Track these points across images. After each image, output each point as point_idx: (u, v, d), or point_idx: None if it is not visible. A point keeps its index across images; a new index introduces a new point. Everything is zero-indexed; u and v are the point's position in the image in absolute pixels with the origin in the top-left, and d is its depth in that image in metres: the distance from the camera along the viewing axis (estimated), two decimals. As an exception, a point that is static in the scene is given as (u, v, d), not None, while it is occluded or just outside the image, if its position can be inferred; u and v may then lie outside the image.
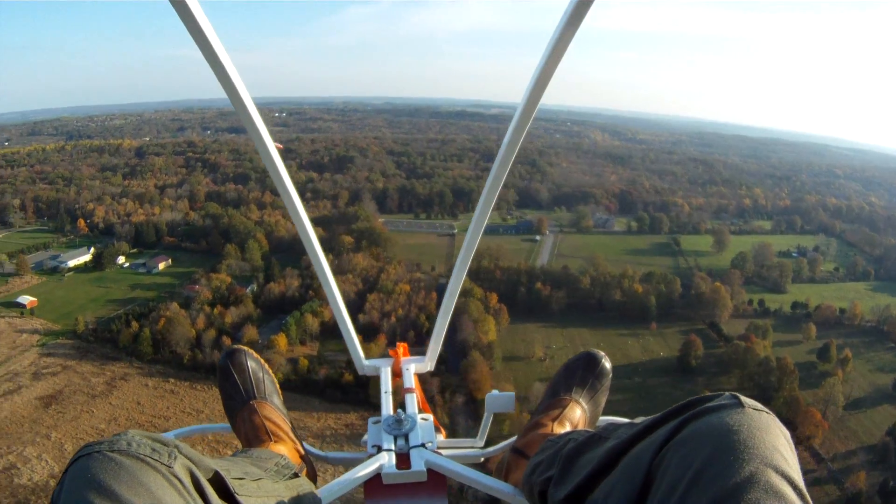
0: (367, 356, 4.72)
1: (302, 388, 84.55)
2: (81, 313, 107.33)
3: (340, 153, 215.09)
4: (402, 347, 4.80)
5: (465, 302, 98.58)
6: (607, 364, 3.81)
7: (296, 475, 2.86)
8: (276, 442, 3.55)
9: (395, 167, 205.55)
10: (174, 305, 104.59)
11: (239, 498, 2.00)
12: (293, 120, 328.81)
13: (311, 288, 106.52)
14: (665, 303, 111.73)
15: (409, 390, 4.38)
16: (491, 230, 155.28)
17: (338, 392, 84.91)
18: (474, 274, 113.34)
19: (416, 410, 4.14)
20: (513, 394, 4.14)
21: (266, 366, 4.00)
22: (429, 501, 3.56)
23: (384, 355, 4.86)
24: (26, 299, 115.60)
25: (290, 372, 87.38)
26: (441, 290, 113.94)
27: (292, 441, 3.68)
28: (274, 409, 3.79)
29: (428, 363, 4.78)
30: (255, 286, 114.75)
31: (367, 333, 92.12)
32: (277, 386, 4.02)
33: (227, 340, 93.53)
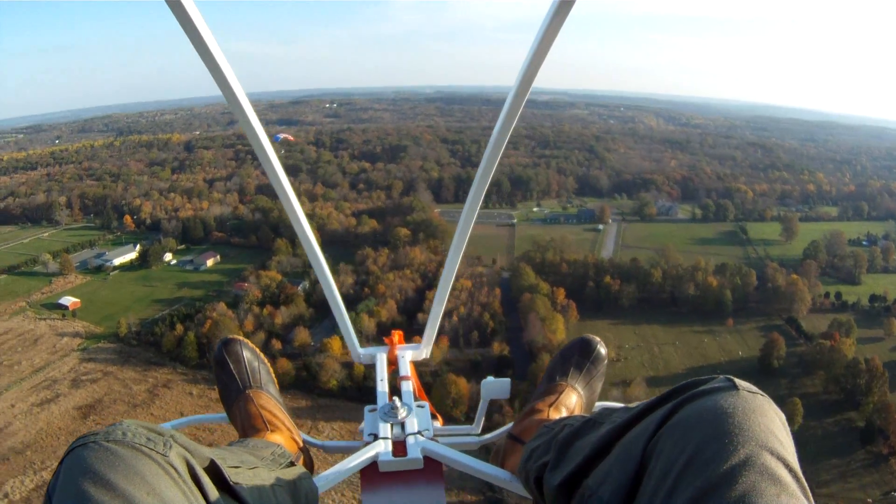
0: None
1: (357, 396, 77.73)
2: (125, 315, 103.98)
3: (393, 143, 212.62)
4: (397, 335, 4.78)
5: (532, 298, 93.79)
6: (602, 350, 3.84)
7: (292, 463, 2.96)
8: (272, 431, 3.57)
9: (450, 156, 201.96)
10: (221, 305, 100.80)
11: (235, 487, 2.04)
12: (344, 111, 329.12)
13: (367, 285, 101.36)
14: (740, 297, 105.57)
15: (405, 378, 4.35)
16: (552, 220, 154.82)
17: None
18: (539, 268, 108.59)
19: (413, 398, 4.10)
20: (508, 380, 4.06)
21: (262, 355, 4.01)
22: (425, 488, 3.57)
23: (380, 343, 4.81)
24: (69, 300, 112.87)
25: (345, 378, 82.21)
26: (505, 286, 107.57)
27: (289, 430, 3.69)
28: (270, 399, 3.79)
29: (424, 350, 4.79)
30: (306, 283, 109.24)
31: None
32: (273, 375, 4.02)
33: (276, 344, 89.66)
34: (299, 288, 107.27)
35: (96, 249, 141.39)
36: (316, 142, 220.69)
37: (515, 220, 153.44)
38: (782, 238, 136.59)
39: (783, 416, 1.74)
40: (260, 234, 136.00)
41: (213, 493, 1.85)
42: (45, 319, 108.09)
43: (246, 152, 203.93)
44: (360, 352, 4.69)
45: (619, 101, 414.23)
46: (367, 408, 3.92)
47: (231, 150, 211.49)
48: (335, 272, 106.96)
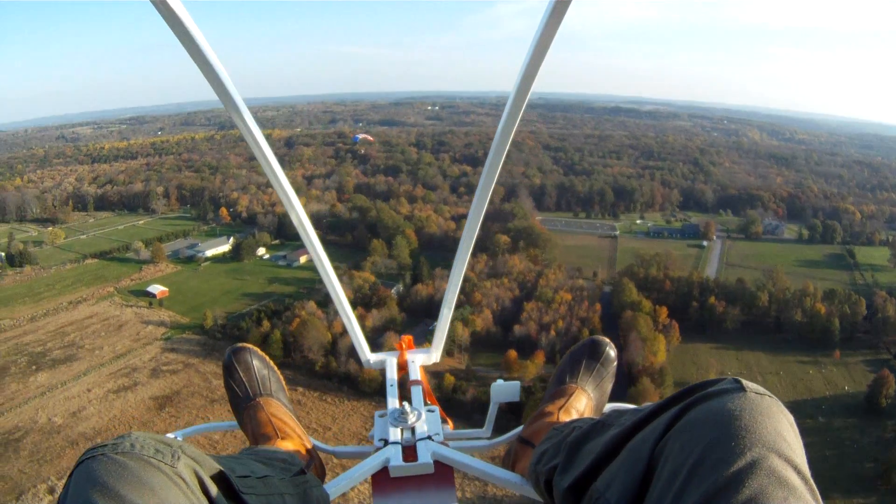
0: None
1: (446, 408, 73.27)
2: (212, 307, 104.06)
3: None
4: (406, 340, 4.81)
5: (633, 316, 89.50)
6: (612, 352, 3.83)
7: (302, 471, 2.93)
8: (283, 438, 3.57)
9: (552, 163, 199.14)
10: (311, 304, 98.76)
11: (244, 496, 2.04)
12: (446, 113, 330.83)
13: (463, 292, 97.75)
14: (847, 326, 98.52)
15: (415, 382, 4.32)
16: (656, 233, 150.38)
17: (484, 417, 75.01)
18: (642, 283, 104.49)
19: (423, 403, 4.08)
20: (518, 383, 4.03)
21: (271, 363, 4.03)
22: (436, 493, 3.51)
23: (390, 349, 4.87)
24: (157, 289, 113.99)
25: (434, 388, 77.38)
26: (605, 301, 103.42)
27: (299, 437, 3.68)
28: (280, 406, 3.80)
29: (433, 355, 4.82)
30: (400, 286, 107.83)
31: (524, 348, 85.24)
32: (283, 383, 4.04)
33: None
34: (393, 291, 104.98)
35: (189, 240, 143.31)
36: (417, 143, 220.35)
37: (618, 232, 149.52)
38: (891, 264, 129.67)
39: (791, 418, 1.71)
40: (356, 233, 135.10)
41: (223, 503, 1.88)
42: (131, 306, 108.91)
43: (346, 151, 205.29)
44: (369, 357, 4.69)
45: (721, 113, 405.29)
46: (378, 413, 3.88)
47: (331, 147, 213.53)
48: (431, 277, 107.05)
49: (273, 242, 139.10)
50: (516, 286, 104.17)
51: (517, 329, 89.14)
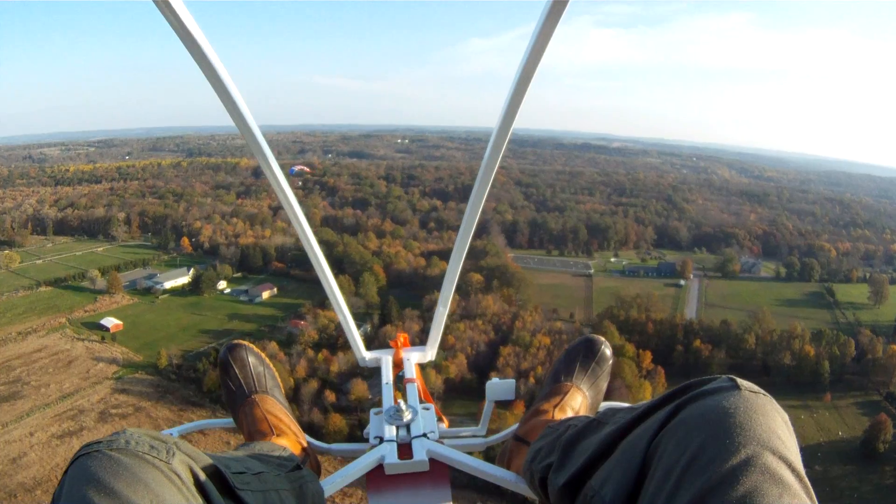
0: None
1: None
2: (167, 345, 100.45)
3: (466, 182, 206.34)
4: (402, 337, 4.81)
5: (617, 362, 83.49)
6: (607, 350, 3.86)
7: (298, 467, 2.98)
8: (278, 435, 3.61)
9: (524, 198, 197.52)
10: (272, 345, 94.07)
11: (239, 492, 2.06)
12: (416, 147, 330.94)
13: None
14: (837, 368, 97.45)
15: (411, 380, 4.38)
16: (632, 272, 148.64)
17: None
18: (623, 326, 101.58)
19: (418, 400, 4.16)
20: (513, 380, 4.14)
21: (267, 360, 4.05)
22: (431, 491, 3.59)
23: (385, 347, 4.87)
24: (111, 322, 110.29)
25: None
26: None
27: (294, 434, 3.72)
28: (276, 403, 3.83)
29: (429, 352, 4.81)
30: (368, 327, 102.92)
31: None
32: (279, 380, 4.05)
33: (330, 396, 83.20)
34: (360, 331, 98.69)
35: (148, 270, 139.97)
36: (386, 176, 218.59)
37: (592, 271, 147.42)
38: (871, 301, 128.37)
39: (786, 416, 1.75)
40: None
41: (218, 499, 1.88)
42: (83, 340, 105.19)
43: (315, 182, 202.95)
44: (364, 355, 4.70)
45: (689, 150, 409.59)
46: (373, 410, 3.96)
47: (299, 178, 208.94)
48: (401, 317, 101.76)
49: (235, 275, 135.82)
50: (491, 328, 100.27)
51: (493, 376, 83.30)
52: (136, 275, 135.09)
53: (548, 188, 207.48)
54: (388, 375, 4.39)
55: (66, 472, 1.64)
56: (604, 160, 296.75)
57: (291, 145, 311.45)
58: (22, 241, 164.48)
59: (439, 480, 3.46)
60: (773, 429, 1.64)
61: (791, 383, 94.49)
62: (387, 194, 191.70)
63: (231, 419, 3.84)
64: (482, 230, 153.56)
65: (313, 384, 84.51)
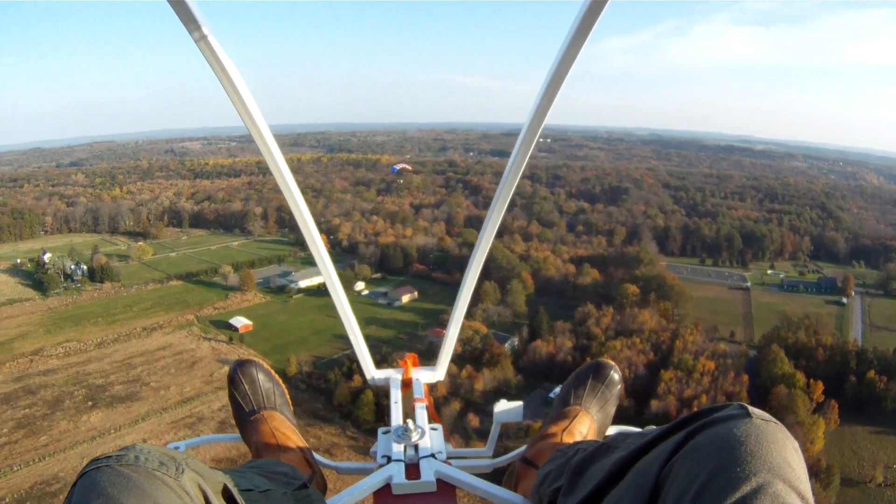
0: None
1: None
2: (298, 350, 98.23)
3: (612, 183, 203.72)
4: (411, 358, 4.85)
5: (789, 395, 77.04)
6: (616, 374, 3.91)
7: (305, 485, 3.01)
8: (285, 452, 3.67)
9: (673, 202, 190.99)
10: (412, 355, 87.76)
11: None
12: (558, 146, 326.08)
13: (589, 352, 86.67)
14: None
15: (419, 400, 4.42)
16: (790, 286, 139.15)
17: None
18: (790, 351, 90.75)
19: (426, 421, 4.16)
20: (521, 403, 4.16)
21: (276, 377, 4.10)
22: None
23: (395, 366, 4.91)
24: (240, 321, 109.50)
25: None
26: (750, 368, 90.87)
27: (302, 451, 3.77)
28: (284, 420, 3.89)
29: (438, 372, 4.84)
30: (516, 341, 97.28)
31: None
32: (288, 397, 4.12)
33: (473, 420, 75.85)
34: (507, 346, 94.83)
35: (283, 267, 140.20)
36: (531, 176, 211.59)
37: (749, 283, 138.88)
38: None
39: (796, 444, 1.77)
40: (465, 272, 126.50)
41: None
42: (209, 339, 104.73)
43: (457, 181, 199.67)
44: (374, 374, 4.74)
45: (835, 154, 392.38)
46: (381, 430, 3.98)
47: (441, 176, 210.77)
48: (552, 329, 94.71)
49: (374, 276, 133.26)
50: (649, 347, 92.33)
51: (654, 405, 77.68)
52: (271, 272, 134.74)
53: (697, 191, 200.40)
54: (396, 395, 4.42)
55: (74, 485, 1.66)
56: (749, 163, 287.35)
57: (433, 143, 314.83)
58: (157, 234, 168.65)
59: (446, 501, 3.42)
60: (785, 457, 1.66)
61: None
62: (532, 195, 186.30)
63: (239, 434, 3.88)
64: (632, 235, 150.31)
65: (455, 405, 79.11)
